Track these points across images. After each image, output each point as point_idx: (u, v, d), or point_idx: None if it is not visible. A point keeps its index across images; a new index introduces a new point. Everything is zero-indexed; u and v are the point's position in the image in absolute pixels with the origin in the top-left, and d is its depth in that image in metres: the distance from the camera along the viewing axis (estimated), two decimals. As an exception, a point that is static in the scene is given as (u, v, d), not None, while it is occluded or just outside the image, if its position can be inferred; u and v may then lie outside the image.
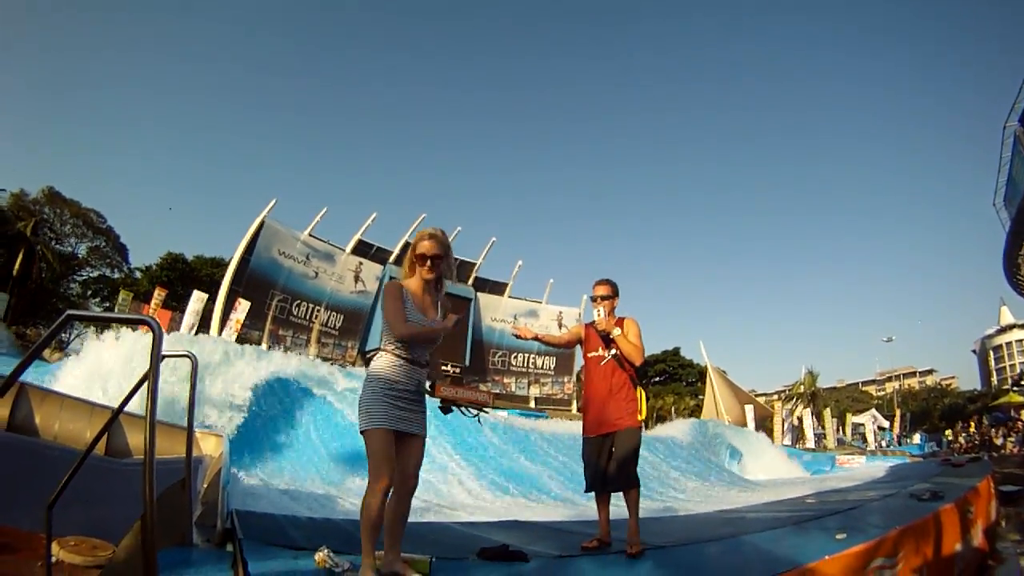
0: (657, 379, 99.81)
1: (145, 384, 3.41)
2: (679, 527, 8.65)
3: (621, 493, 5.94)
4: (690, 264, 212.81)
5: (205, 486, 5.83)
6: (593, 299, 6.42)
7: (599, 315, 6.25)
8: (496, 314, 59.91)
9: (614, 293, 6.43)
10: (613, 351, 6.19)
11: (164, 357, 4.36)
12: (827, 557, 4.15)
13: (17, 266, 51.09)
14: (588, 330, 6.53)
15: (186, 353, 5.05)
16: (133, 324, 3.54)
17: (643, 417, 6.08)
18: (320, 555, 4.17)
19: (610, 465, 5.92)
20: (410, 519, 5.65)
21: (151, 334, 3.11)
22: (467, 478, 16.17)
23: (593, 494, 6.17)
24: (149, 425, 2.91)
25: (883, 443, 70.22)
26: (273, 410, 16.76)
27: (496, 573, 4.48)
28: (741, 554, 5.23)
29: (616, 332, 6.10)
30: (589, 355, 6.44)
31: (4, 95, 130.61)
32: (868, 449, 61.77)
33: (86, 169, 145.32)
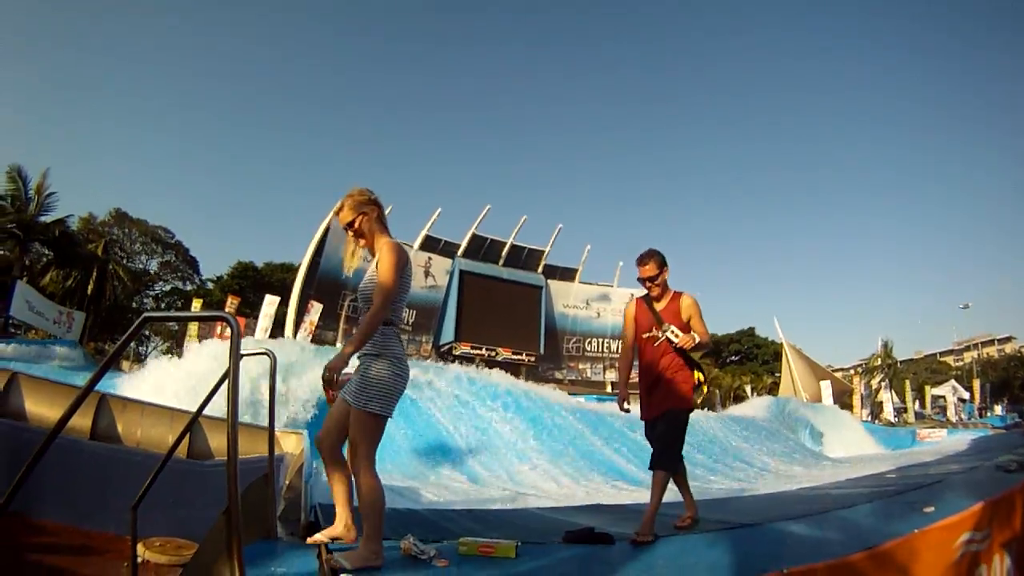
0: (733, 359, 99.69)
1: (225, 382, 3.43)
2: (761, 505, 8.60)
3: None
4: (761, 241, 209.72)
5: (287, 482, 5.88)
6: (642, 281, 6.06)
7: (674, 334, 5.72)
8: (568, 300, 59.97)
9: (662, 266, 6.01)
10: (666, 331, 5.79)
11: (243, 355, 4.44)
12: (916, 531, 4.04)
13: (91, 286, 52.05)
14: (639, 306, 6.18)
15: (264, 351, 5.11)
16: (210, 321, 3.56)
17: (701, 398, 5.94)
18: (405, 542, 4.17)
19: (656, 438, 5.86)
20: (496, 507, 5.63)
21: (229, 332, 3.13)
22: (548, 465, 16.21)
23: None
24: (231, 416, 2.91)
25: (964, 416, 68.78)
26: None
27: (582, 555, 4.44)
28: (827, 530, 5.09)
29: (691, 340, 5.66)
30: (643, 335, 6.07)
31: (72, 124, 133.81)
32: (949, 422, 60.62)
33: (151, 187, 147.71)
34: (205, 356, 14.71)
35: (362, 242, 4.62)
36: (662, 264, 6.00)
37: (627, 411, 6.00)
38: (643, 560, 4.14)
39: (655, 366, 5.87)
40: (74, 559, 5.42)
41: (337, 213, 4.64)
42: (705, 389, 5.95)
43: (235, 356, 2.97)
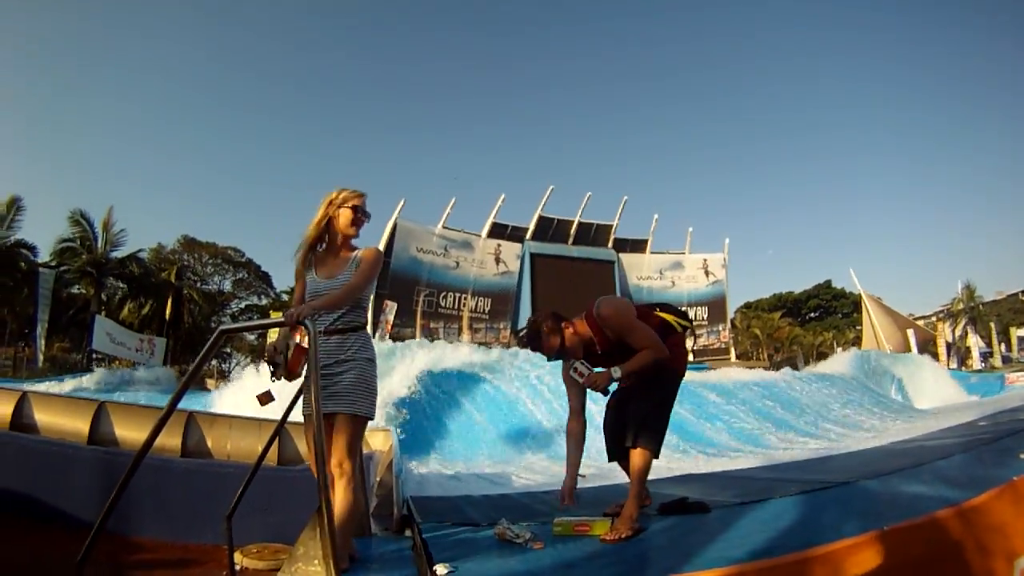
0: (812, 315, 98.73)
1: (309, 382, 3.45)
2: (854, 463, 8.52)
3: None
4: (828, 188, 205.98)
5: (378, 479, 5.94)
6: (557, 358, 4.86)
7: (579, 375, 4.59)
8: (641, 272, 59.38)
9: (559, 334, 4.73)
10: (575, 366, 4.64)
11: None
12: (1015, 478, 3.92)
13: (168, 312, 53.32)
14: (567, 374, 4.81)
15: None
16: (286, 327, 3.54)
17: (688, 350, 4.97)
18: (499, 528, 4.16)
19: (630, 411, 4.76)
20: (585, 485, 5.58)
21: (308, 335, 3.15)
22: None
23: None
24: (316, 418, 2.94)
25: (1054, 356, 67.33)
26: (437, 399, 17.25)
27: (678, 526, 4.42)
28: (923, 484, 5.00)
29: (616, 374, 4.50)
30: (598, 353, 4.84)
31: (131, 158, 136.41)
32: (1037, 364, 59.37)
33: (216, 210, 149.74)
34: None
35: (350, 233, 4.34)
36: (556, 328, 4.75)
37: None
38: (740, 527, 4.08)
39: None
40: (175, 572, 5.60)
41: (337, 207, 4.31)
42: (679, 329, 5.03)
43: (314, 358, 3.00)
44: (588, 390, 4.72)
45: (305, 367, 3.90)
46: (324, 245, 4.31)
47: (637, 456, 4.55)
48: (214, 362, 63.78)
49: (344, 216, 4.23)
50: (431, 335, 45.85)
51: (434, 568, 3.18)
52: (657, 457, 4.67)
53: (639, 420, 4.62)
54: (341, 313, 4.07)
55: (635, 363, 4.51)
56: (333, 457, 3.85)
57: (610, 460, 5.11)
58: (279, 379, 3.93)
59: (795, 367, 43.15)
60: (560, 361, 4.80)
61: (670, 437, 16.44)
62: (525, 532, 4.06)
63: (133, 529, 5.90)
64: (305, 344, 3.92)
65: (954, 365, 60.75)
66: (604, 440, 5.10)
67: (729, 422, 19.49)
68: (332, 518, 2.84)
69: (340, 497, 3.79)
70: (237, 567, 4.53)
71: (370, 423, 4.06)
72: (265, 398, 4.06)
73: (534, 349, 4.77)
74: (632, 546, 3.83)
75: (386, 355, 18.48)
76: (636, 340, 4.61)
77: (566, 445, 5.03)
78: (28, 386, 14.73)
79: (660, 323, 4.94)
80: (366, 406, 3.95)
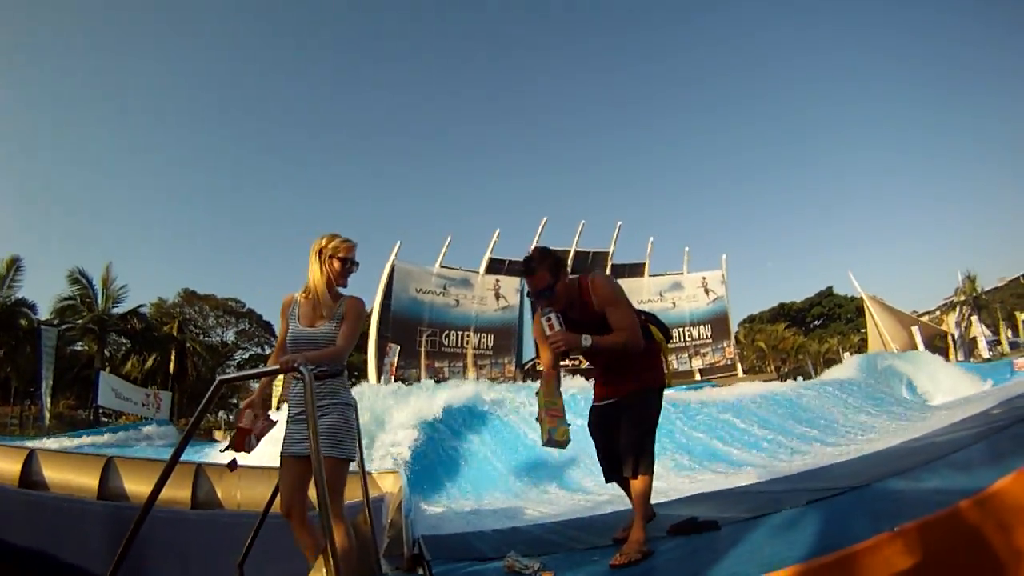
0: (816, 323, 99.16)
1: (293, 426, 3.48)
2: (866, 465, 8.48)
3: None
4: (821, 193, 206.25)
5: (389, 520, 5.96)
6: (531, 297, 4.78)
7: (551, 326, 4.57)
8: (641, 296, 59.12)
9: (554, 273, 4.65)
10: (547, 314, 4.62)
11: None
12: (1026, 464, 3.93)
13: (172, 365, 53.67)
14: (538, 327, 4.75)
15: None
16: (283, 374, 3.60)
17: (669, 376, 4.99)
18: (508, 560, 4.17)
19: (620, 437, 4.67)
20: (597, 512, 5.59)
21: (304, 381, 3.18)
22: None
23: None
24: (316, 462, 2.96)
25: (1060, 336, 67.49)
26: (445, 437, 17.20)
27: (687, 545, 4.41)
28: (936, 479, 5.00)
29: (586, 344, 4.46)
30: (584, 343, 4.58)
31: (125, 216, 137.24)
32: (1045, 345, 59.49)
33: (214, 262, 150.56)
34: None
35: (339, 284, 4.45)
36: (554, 268, 4.68)
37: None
38: (751, 541, 4.09)
39: (603, 363, 4.98)
40: None
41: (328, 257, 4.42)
42: (664, 346, 5.09)
43: (311, 403, 3.03)
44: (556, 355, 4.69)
45: (254, 442, 4.03)
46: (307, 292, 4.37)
47: (639, 484, 4.52)
48: (220, 413, 63.96)
49: (333, 268, 4.33)
50: (436, 375, 46.04)
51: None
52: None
53: (636, 449, 4.57)
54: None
55: (608, 341, 4.51)
56: (308, 500, 4.07)
57: (608, 481, 5.03)
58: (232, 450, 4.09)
59: (807, 376, 43.18)
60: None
61: (682, 458, 16.45)
62: (534, 563, 4.07)
63: None
64: (244, 424, 4.04)
65: (962, 357, 60.74)
66: (600, 463, 4.98)
67: (740, 437, 19.46)
68: (338, 559, 2.86)
69: (333, 540, 3.82)
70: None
71: (379, 466, 4.11)
72: (231, 466, 4.23)
73: (528, 273, 4.67)
74: (641, 570, 3.84)
75: (391, 396, 18.69)
76: (618, 316, 4.61)
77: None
78: (37, 443, 14.78)
79: (644, 325, 4.95)
80: (340, 449, 4.04)
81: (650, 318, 5.09)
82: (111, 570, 3.30)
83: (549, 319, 4.57)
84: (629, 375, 4.77)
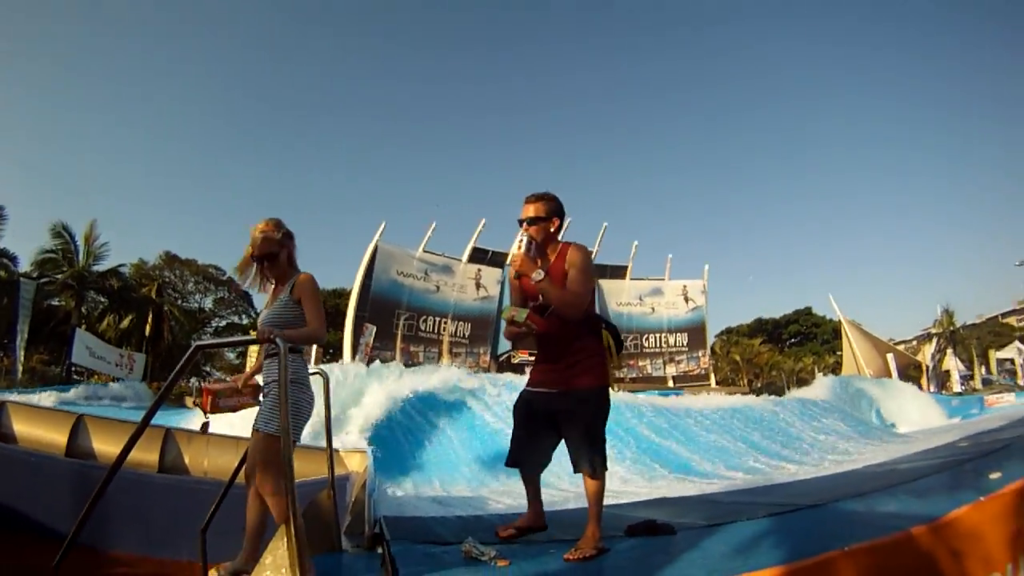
0: (793, 341, 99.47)
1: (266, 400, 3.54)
2: (826, 486, 8.59)
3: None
4: (808, 215, 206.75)
5: (352, 499, 6.00)
6: (521, 224, 4.80)
7: (519, 245, 4.66)
8: (621, 298, 59.71)
9: (550, 214, 4.80)
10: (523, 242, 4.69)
11: (311, 373, 4.57)
12: (981, 499, 4.01)
13: (148, 328, 53.36)
14: (513, 283, 5.04)
15: (317, 371, 5.26)
16: (259, 344, 3.66)
17: (614, 374, 4.88)
18: (466, 545, 4.22)
19: (569, 436, 4.64)
20: (562, 507, 5.63)
21: (278, 353, 3.24)
22: (611, 463, 15.70)
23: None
24: (284, 436, 3.02)
25: (1033, 376, 67.93)
26: (415, 422, 17.26)
27: (642, 547, 4.49)
28: (892, 505, 5.09)
29: (537, 276, 4.49)
30: (530, 304, 4.81)
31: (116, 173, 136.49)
32: (1018, 385, 59.82)
33: (197, 227, 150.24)
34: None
35: (273, 273, 4.60)
36: (553, 211, 4.82)
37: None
38: (704, 548, 4.16)
39: (546, 338, 4.81)
40: None
41: (258, 243, 4.52)
42: (614, 355, 4.89)
43: (284, 377, 3.09)
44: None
45: (222, 402, 4.24)
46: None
47: (595, 483, 4.51)
48: (193, 379, 63.70)
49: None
50: (411, 359, 46.09)
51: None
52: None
53: (591, 447, 4.54)
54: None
55: (557, 292, 4.51)
56: (257, 472, 4.12)
57: (511, 465, 5.00)
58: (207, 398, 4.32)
59: (779, 392, 43.33)
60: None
61: (649, 462, 16.53)
62: (491, 551, 4.11)
63: (109, 543, 5.87)
64: (212, 386, 4.17)
65: (934, 388, 61.14)
66: (513, 444, 4.95)
67: (704, 446, 19.55)
68: (301, 530, 2.92)
69: (259, 509, 4.15)
70: (211, 584, 4.58)
71: (347, 444, 4.19)
72: (203, 428, 4.51)
73: (533, 199, 4.82)
74: (594, 566, 3.90)
75: (364, 377, 18.71)
76: (577, 280, 4.59)
77: None
78: (8, 396, 14.71)
79: (597, 326, 4.89)
80: (276, 424, 4.05)
81: (608, 325, 4.98)
82: (75, 528, 3.34)
83: (522, 240, 4.66)
84: (577, 367, 4.66)
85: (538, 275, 4.48)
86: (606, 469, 4.58)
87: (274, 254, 4.50)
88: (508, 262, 4.87)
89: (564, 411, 4.62)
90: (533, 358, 5.18)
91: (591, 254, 4.93)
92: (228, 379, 4.43)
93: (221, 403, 4.42)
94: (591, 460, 4.51)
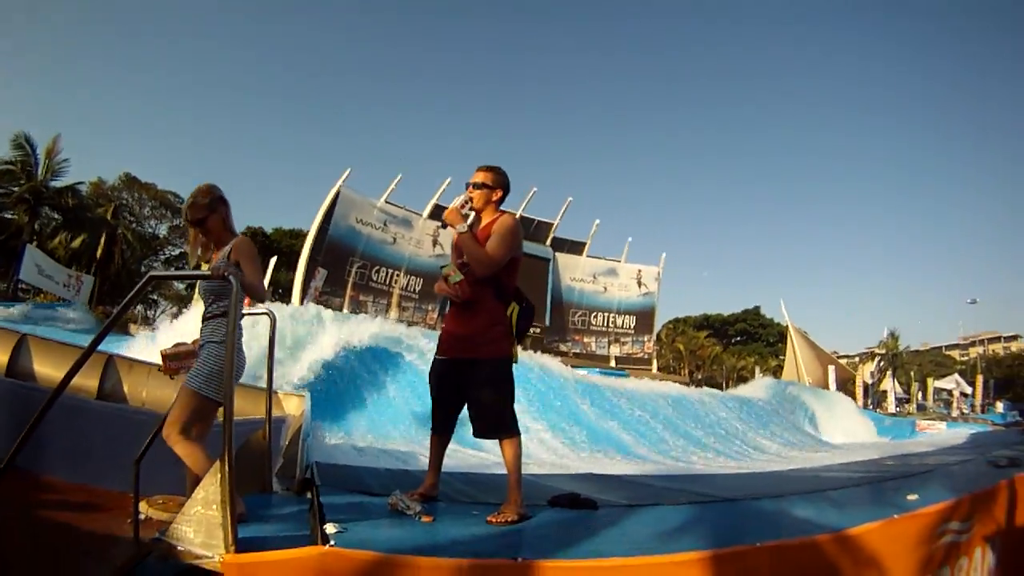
0: (738, 339, 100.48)
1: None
2: (747, 483, 8.73)
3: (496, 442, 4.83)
4: (769, 221, 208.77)
5: (286, 442, 6.05)
6: (467, 187, 5.07)
7: (456, 201, 4.89)
8: (575, 274, 60.14)
9: (495, 185, 5.07)
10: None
11: (244, 315, 4.62)
12: (895, 516, 4.13)
13: (100, 250, 52.64)
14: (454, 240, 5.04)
15: (265, 311, 5.33)
16: (212, 280, 3.71)
17: (516, 351, 4.95)
18: (393, 498, 4.29)
19: (473, 404, 4.81)
20: (487, 472, 5.68)
21: (231, 289, 3.30)
22: (546, 435, 16.35)
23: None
24: (227, 374, 3.10)
25: (965, 410, 68.77)
26: (356, 371, 17.23)
27: (564, 519, 4.56)
28: (808, 510, 5.18)
29: (461, 228, 4.76)
30: (456, 262, 4.98)
31: (80, 90, 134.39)
32: (951, 415, 60.66)
33: (161, 152, 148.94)
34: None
35: (210, 238, 4.67)
36: (499, 184, 5.09)
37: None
38: (622, 526, 4.25)
39: (462, 298, 4.89)
40: (79, 515, 5.59)
41: (187, 209, 4.63)
42: (513, 332, 4.96)
43: (235, 311, 3.17)
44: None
45: (181, 364, 4.48)
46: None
47: (512, 447, 4.65)
48: (139, 307, 62.99)
49: None
50: (359, 307, 46.06)
51: (324, 527, 3.33)
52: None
53: (501, 414, 4.71)
54: (212, 301, 4.39)
55: (473, 247, 4.70)
56: (168, 424, 4.16)
57: (436, 433, 5.11)
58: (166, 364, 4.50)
59: (716, 387, 43.69)
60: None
61: (580, 436, 16.66)
62: (416, 505, 4.18)
63: (41, 467, 5.91)
64: (169, 350, 4.43)
65: (870, 406, 61.74)
66: (436, 415, 5.08)
67: (640, 430, 19.70)
68: (232, 468, 3.01)
69: (185, 458, 4.11)
70: (141, 516, 4.56)
71: (285, 387, 4.26)
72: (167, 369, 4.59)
73: (484, 168, 5.10)
74: (515, 530, 4.00)
75: (308, 322, 18.74)
76: (495, 245, 4.75)
77: None
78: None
79: (514, 297, 5.06)
80: (198, 382, 4.14)
81: (525, 306, 5.12)
82: (11, 453, 3.40)
83: (462, 198, 4.93)
84: (485, 335, 4.82)
85: (462, 228, 4.74)
86: (519, 435, 4.70)
87: (202, 219, 4.55)
88: (446, 212, 4.86)
89: (472, 380, 4.76)
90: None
91: (519, 226, 5.05)
92: (186, 343, 4.46)
93: (179, 366, 4.51)
94: (499, 428, 4.71)
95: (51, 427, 4.38)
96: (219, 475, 3.21)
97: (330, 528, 3.29)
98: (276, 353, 5.47)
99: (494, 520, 4.20)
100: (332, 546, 2.94)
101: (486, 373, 4.74)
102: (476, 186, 5.00)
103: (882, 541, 3.87)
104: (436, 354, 5.08)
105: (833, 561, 3.61)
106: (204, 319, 4.40)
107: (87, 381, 7.50)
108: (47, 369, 7.93)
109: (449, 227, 4.89)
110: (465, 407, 4.92)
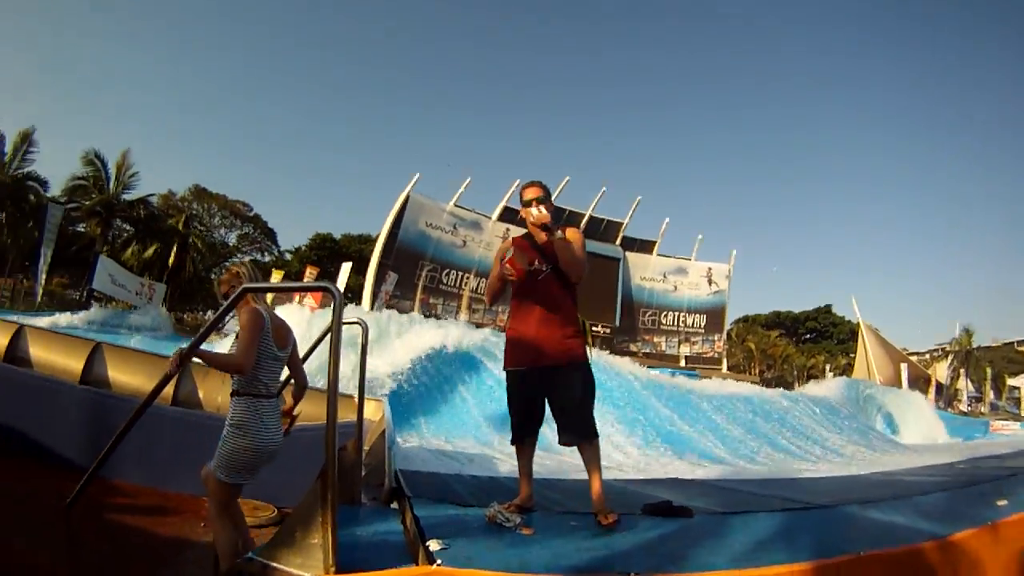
0: (808, 336, 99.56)
1: (324, 347, 3.51)
2: (835, 487, 8.58)
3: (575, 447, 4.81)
4: (842, 215, 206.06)
5: (367, 449, 6.00)
6: (526, 204, 5.08)
7: (535, 213, 4.93)
8: (645, 273, 59.93)
9: (547, 197, 5.14)
10: (549, 266, 4.97)
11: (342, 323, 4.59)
12: (989, 523, 4.00)
13: (172, 259, 53.84)
14: (519, 242, 5.18)
15: (357, 320, 5.31)
16: (311, 291, 3.69)
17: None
18: (491, 510, 4.21)
19: (563, 410, 4.82)
20: (572, 477, 5.58)
21: (332, 301, 3.22)
22: (622, 438, 16.07)
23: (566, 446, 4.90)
24: (331, 383, 3.01)
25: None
26: (428, 374, 17.19)
27: (662, 528, 4.42)
28: (900, 516, 5.03)
29: (559, 235, 4.80)
30: (530, 267, 4.97)
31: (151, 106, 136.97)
32: (1021, 414, 59.40)
33: (230, 164, 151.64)
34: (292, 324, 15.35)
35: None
36: (548, 195, 5.20)
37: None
38: (722, 536, 4.14)
39: (542, 304, 4.98)
40: (153, 519, 5.72)
41: (216, 284, 4.86)
42: (588, 336, 5.11)
43: (337, 324, 3.11)
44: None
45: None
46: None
47: (595, 449, 4.72)
48: (208, 312, 64.13)
49: None
50: (430, 311, 46.29)
51: (427, 544, 3.23)
52: None
53: (588, 417, 4.78)
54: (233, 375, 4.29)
55: (572, 250, 4.84)
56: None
57: (518, 443, 5.05)
58: None
59: (787, 386, 43.19)
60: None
61: (658, 441, 16.46)
62: (515, 517, 4.11)
63: (115, 472, 6.00)
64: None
65: (942, 406, 60.67)
66: (520, 425, 5.03)
67: (718, 432, 19.44)
68: (335, 490, 2.93)
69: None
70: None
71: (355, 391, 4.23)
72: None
73: (541, 187, 5.16)
74: (618, 542, 3.89)
75: (383, 324, 18.86)
76: (582, 251, 4.97)
77: None
78: (28, 319, 14.80)
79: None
80: (213, 465, 4.13)
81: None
82: (94, 466, 3.39)
83: (542, 211, 4.92)
84: (573, 339, 4.91)
85: (560, 235, 4.80)
86: (596, 435, 4.78)
87: (226, 294, 4.56)
88: (532, 219, 4.96)
89: (560, 386, 4.79)
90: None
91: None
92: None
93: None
94: (587, 431, 4.74)
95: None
96: (319, 492, 3.13)
97: (433, 545, 3.19)
98: (346, 356, 5.45)
99: (606, 521, 4.26)
100: (439, 565, 2.85)
101: (575, 377, 4.78)
102: (540, 200, 5.03)
103: (979, 548, 3.76)
104: (515, 363, 5.04)
105: (934, 570, 3.49)
106: (232, 393, 4.34)
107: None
108: (121, 376, 8.06)
109: (542, 233, 4.95)
110: (543, 413, 4.92)
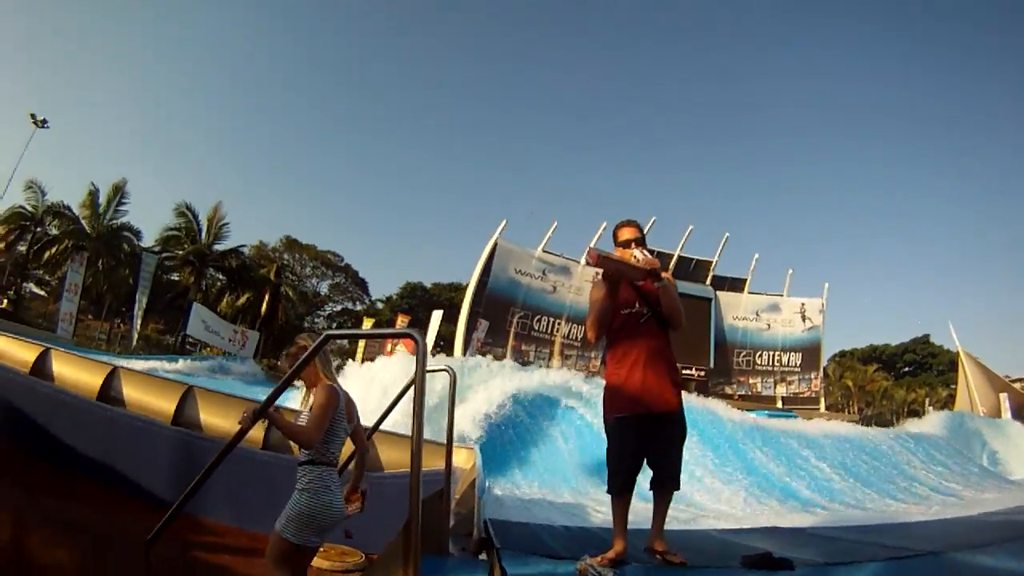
0: (907, 370, 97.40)
1: (408, 396, 3.45)
2: (942, 531, 8.41)
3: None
4: (934, 238, 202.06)
5: (457, 497, 5.95)
6: (625, 244, 5.07)
7: (640, 256, 4.87)
8: (737, 312, 59.59)
9: (643, 238, 5.18)
10: (650, 310, 4.96)
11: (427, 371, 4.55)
12: None
13: (264, 307, 55.21)
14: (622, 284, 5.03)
15: (445, 368, 5.41)
16: (396, 338, 3.67)
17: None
18: (582, 564, 4.09)
19: (669, 458, 4.86)
20: (673, 528, 5.49)
21: (404, 350, 3.15)
22: (719, 484, 15.75)
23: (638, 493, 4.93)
24: (416, 431, 2.94)
25: None
26: (521, 421, 17.14)
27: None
28: (1015, 561, 4.85)
29: (664, 282, 4.80)
30: (623, 312, 5.04)
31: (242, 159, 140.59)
32: None
33: (320, 215, 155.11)
34: (382, 371, 15.36)
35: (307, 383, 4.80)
36: (643, 236, 5.23)
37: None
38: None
39: (648, 347, 4.91)
40: (241, 559, 5.87)
41: (284, 357, 4.83)
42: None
43: (421, 371, 3.04)
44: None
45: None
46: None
47: (671, 496, 4.95)
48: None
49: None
50: (522, 357, 46.47)
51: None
52: None
53: (680, 463, 4.90)
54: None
55: (675, 298, 4.93)
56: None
57: (620, 495, 4.92)
58: None
59: (887, 423, 42.34)
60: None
61: (756, 488, 16.20)
62: (608, 571, 4.00)
63: (204, 511, 6.22)
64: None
65: (1049, 435, 59.05)
66: (625, 475, 4.91)
67: (816, 475, 19.05)
68: (418, 540, 2.84)
69: None
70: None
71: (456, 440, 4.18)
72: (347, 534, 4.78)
73: (639, 228, 5.24)
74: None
75: (474, 371, 19.07)
76: (679, 301, 4.98)
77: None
78: (122, 361, 15.12)
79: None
80: (280, 523, 4.21)
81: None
82: (179, 502, 3.36)
83: (639, 256, 4.91)
84: (676, 386, 4.96)
85: (664, 281, 4.83)
86: (678, 484, 4.93)
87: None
88: (642, 264, 4.83)
89: (666, 433, 4.85)
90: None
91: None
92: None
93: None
94: (679, 476, 4.90)
95: (216, 473, 4.40)
96: (403, 542, 3.07)
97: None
98: (435, 404, 5.42)
99: (677, 560, 4.51)
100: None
101: (680, 425, 4.90)
102: (639, 242, 5.08)
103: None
104: (620, 410, 4.92)
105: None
106: (299, 463, 4.49)
107: (253, 431, 7.61)
108: (212, 419, 8.26)
109: (649, 280, 4.92)
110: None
